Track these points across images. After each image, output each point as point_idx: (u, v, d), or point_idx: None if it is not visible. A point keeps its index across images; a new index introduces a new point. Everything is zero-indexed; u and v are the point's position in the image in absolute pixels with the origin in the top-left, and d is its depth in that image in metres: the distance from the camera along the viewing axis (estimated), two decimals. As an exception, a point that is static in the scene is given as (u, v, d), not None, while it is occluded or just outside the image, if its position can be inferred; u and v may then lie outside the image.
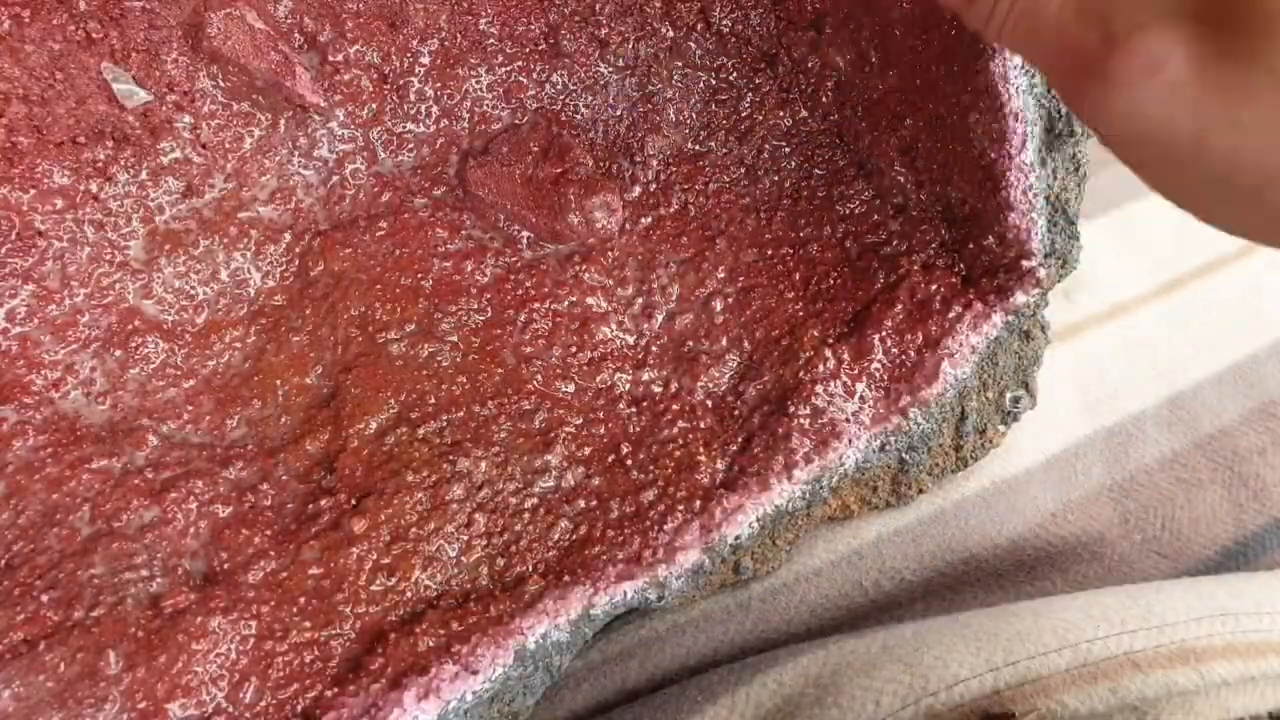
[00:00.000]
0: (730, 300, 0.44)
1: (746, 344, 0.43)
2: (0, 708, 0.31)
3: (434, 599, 0.36)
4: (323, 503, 0.37)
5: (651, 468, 0.40)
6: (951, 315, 0.41)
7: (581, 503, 0.39)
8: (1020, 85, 0.38)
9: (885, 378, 0.40)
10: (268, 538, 0.37)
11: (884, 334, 0.41)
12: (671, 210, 0.46)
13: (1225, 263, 0.51)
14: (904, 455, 0.40)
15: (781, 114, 0.48)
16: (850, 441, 0.39)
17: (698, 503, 0.38)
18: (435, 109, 0.46)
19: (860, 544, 0.42)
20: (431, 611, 0.35)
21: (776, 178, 0.47)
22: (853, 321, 0.42)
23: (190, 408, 0.40)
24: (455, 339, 0.42)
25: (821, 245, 0.45)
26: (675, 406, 0.41)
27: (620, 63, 0.48)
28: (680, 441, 0.40)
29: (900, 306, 0.41)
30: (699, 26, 0.47)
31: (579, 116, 0.48)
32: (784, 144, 0.47)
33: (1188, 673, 0.32)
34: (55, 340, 0.39)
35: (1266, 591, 0.36)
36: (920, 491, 0.41)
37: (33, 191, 0.39)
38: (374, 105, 0.45)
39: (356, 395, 0.40)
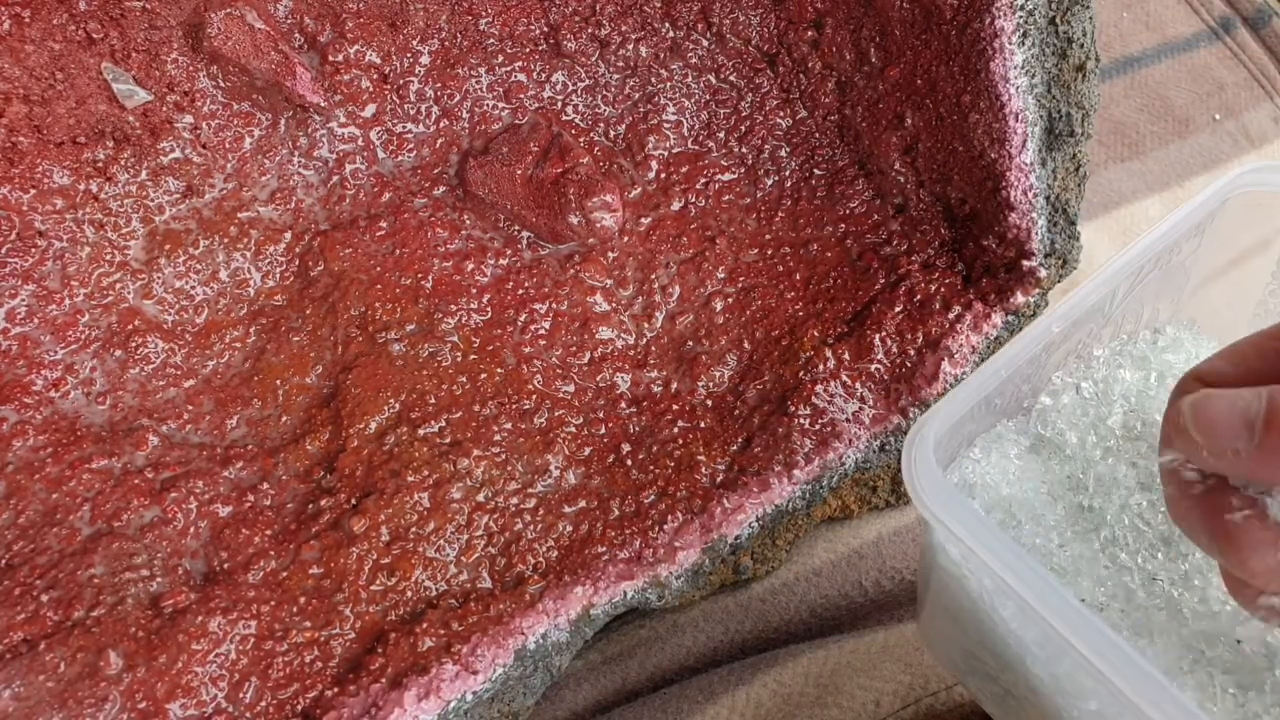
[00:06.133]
0: (730, 300, 0.44)
1: (746, 344, 0.43)
2: (0, 708, 0.31)
3: (434, 599, 0.36)
4: (323, 503, 0.37)
5: (651, 468, 0.40)
6: (952, 315, 0.41)
7: (582, 503, 0.39)
8: (1021, 85, 0.38)
9: (885, 378, 0.40)
10: (268, 537, 0.37)
11: (884, 334, 0.41)
12: (672, 210, 0.46)
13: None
14: (904, 455, 0.40)
15: (781, 114, 0.48)
16: (850, 441, 0.39)
17: (698, 502, 0.38)
18: (435, 109, 0.46)
19: (860, 544, 0.42)
20: (431, 611, 0.35)
21: (777, 177, 0.47)
22: (853, 321, 0.42)
23: (190, 407, 0.40)
24: (455, 339, 0.42)
25: (822, 245, 0.45)
26: (675, 406, 0.41)
27: (621, 63, 0.48)
28: (680, 441, 0.40)
29: (900, 306, 0.41)
30: (699, 26, 0.47)
31: (579, 116, 0.48)
32: (784, 144, 0.47)
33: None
34: (55, 340, 0.39)
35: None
36: (920, 491, 0.41)
37: (33, 191, 0.39)
38: (374, 105, 0.45)
39: (356, 395, 0.40)
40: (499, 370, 0.41)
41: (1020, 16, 0.37)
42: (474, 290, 0.43)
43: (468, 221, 0.45)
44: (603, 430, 0.41)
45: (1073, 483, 0.30)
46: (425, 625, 0.34)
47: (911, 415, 0.40)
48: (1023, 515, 0.29)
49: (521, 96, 0.47)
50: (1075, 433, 0.31)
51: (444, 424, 0.40)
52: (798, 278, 0.44)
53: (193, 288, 0.42)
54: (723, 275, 0.45)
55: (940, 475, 0.26)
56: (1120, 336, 0.33)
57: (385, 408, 0.40)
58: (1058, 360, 0.31)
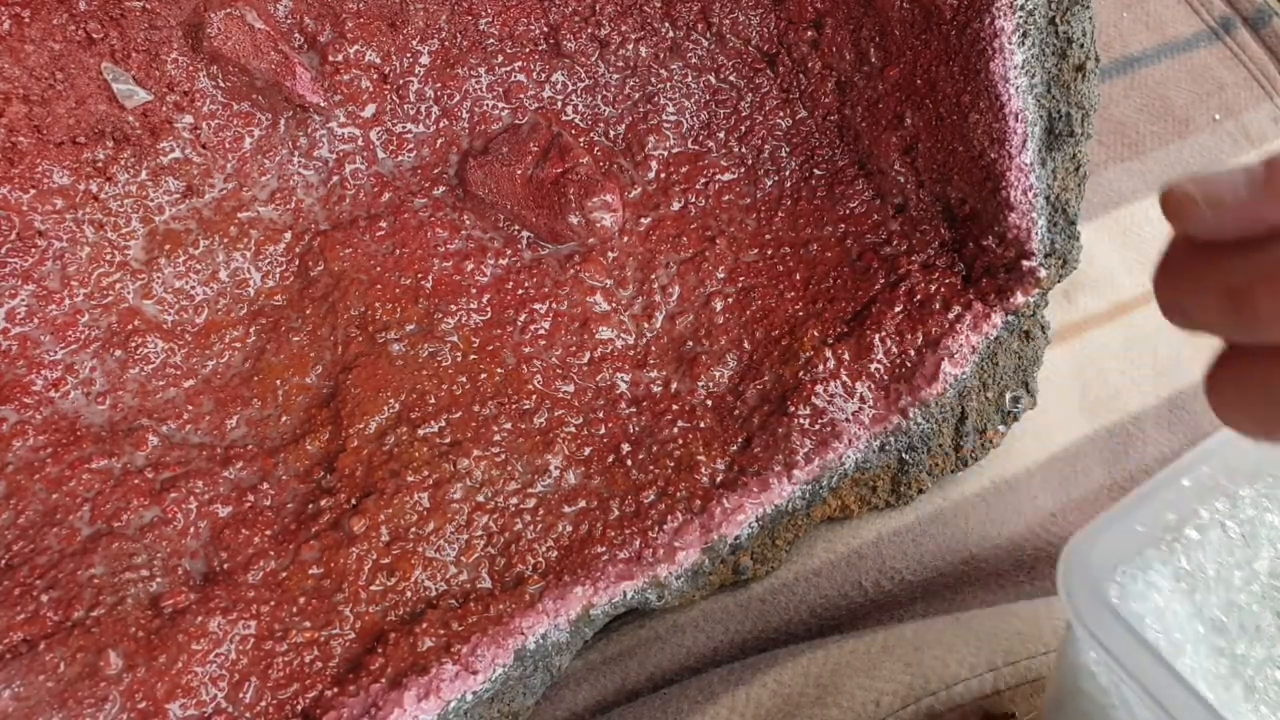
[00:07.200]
0: (730, 300, 0.44)
1: (746, 344, 0.43)
2: (0, 708, 0.31)
3: (434, 599, 0.36)
4: (323, 503, 0.37)
5: (651, 468, 0.40)
6: (952, 315, 0.41)
7: (582, 503, 0.39)
8: (1020, 85, 0.38)
9: (885, 378, 0.40)
10: (268, 538, 0.37)
11: (884, 334, 0.41)
12: (671, 210, 0.46)
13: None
14: (904, 455, 0.40)
15: (781, 114, 0.48)
16: (850, 441, 0.39)
17: (698, 503, 0.38)
18: (435, 109, 0.46)
19: (860, 544, 0.42)
20: (431, 611, 0.35)
21: (777, 177, 0.47)
22: (853, 321, 0.42)
23: (190, 408, 0.40)
24: (455, 339, 0.42)
25: (822, 245, 0.45)
26: (675, 406, 0.41)
27: (621, 63, 0.48)
28: (680, 441, 0.40)
29: (900, 306, 0.41)
30: (699, 26, 0.47)
31: (579, 116, 0.48)
32: (784, 144, 0.47)
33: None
34: (55, 340, 0.39)
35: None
36: (920, 491, 0.41)
37: (33, 191, 0.39)
38: (374, 105, 0.45)
39: (356, 395, 0.40)
40: (499, 370, 0.41)
41: (1020, 16, 0.37)
42: (474, 290, 0.43)
43: (468, 221, 0.45)
44: (603, 430, 0.41)
45: (1215, 625, 0.29)
46: (425, 625, 0.34)
47: (911, 415, 0.40)
48: (1164, 651, 0.28)
49: (521, 96, 0.47)
50: (1220, 572, 0.30)
51: (444, 424, 0.40)
52: (798, 278, 0.44)
53: (193, 288, 0.42)
54: (723, 275, 0.45)
55: (1100, 595, 0.24)
56: (1266, 478, 0.32)
57: (385, 408, 0.40)
58: (1204, 494, 0.30)
